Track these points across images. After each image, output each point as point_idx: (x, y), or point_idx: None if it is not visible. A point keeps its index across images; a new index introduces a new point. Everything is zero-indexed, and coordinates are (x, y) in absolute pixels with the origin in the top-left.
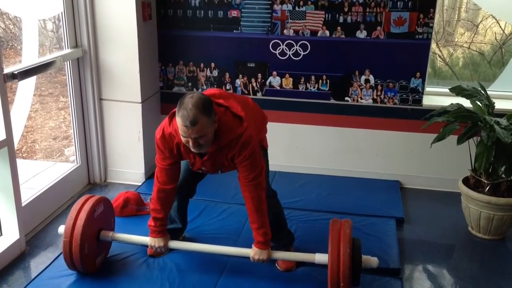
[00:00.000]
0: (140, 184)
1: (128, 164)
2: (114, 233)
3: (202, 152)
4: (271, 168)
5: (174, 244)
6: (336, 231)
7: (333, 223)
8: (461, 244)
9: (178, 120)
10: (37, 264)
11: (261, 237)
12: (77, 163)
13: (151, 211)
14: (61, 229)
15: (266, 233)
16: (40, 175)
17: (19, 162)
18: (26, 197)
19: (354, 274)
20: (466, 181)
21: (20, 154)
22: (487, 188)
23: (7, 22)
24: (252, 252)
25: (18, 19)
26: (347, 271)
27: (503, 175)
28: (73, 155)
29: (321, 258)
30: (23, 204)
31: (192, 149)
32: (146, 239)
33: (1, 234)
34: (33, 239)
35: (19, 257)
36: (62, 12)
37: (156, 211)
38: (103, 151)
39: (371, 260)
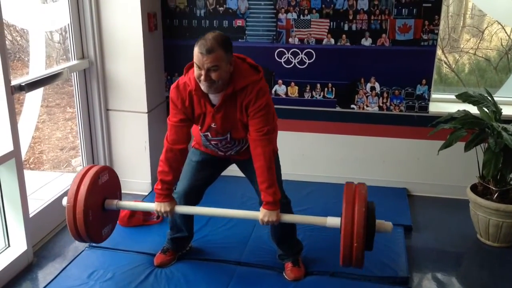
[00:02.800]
0: (146, 194)
1: (135, 174)
2: (119, 201)
3: (214, 96)
4: None
5: (180, 208)
6: (351, 191)
7: (347, 185)
8: (470, 252)
9: (195, 50)
10: (45, 275)
11: (271, 196)
12: None
13: (158, 173)
14: (65, 200)
15: (275, 193)
16: (47, 186)
17: (27, 173)
18: (34, 208)
19: (367, 237)
20: (474, 188)
21: (28, 165)
22: (496, 195)
23: (14, 34)
24: (260, 214)
25: (25, 31)
26: (361, 231)
27: (511, 182)
28: (80, 165)
29: (332, 221)
30: (30, 215)
31: (203, 85)
32: (152, 206)
33: (9, 246)
34: (41, 250)
35: (27, 268)
36: (68, 24)
37: (164, 173)
38: (109, 161)
39: (385, 225)
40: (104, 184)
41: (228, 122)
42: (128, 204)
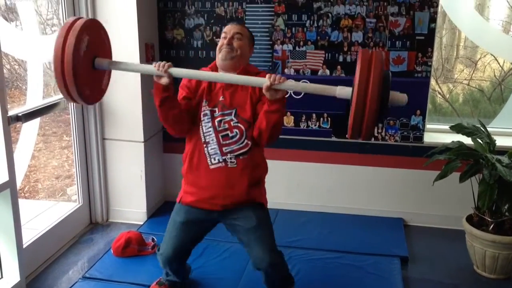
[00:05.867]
0: (142, 223)
1: (130, 203)
2: (111, 61)
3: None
4: (273, 206)
5: (177, 71)
6: (367, 54)
7: (362, 50)
8: (467, 284)
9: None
10: None
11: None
12: (79, 202)
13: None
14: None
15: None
16: (42, 215)
17: (21, 202)
18: (28, 238)
19: (380, 106)
20: (469, 219)
21: (23, 193)
22: (491, 227)
23: (12, 63)
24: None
25: (24, 60)
26: (377, 87)
27: (506, 213)
28: (75, 194)
29: (343, 90)
30: (24, 246)
31: (223, 52)
32: (150, 67)
33: (2, 277)
34: (34, 281)
35: None
36: None
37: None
38: (105, 190)
39: (400, 96)
40: (97, 39)
41: (237, 97)
42: (121, 63)
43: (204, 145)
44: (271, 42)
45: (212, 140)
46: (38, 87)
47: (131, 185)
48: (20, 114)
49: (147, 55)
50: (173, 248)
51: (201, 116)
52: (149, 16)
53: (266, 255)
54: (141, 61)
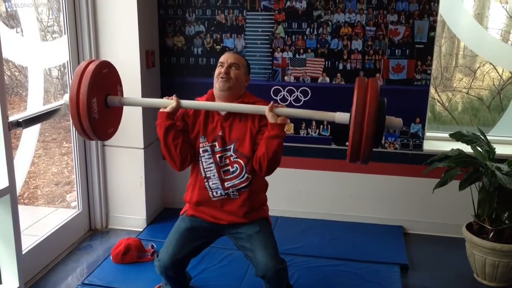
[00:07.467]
0: (141, 230)
1: (130, 210)
2: (122, 97)
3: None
4: (273, 213)
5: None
6: (363, 83)
7: (359, 79)
8: None
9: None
10: None
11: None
12: (78, 209)
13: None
14: (66, 96)
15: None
16: (41, 222)
17: (21, 208)
18: (27, 244)
19: (377, 132)
20: (469, 227)
21: (22, 200)
22: (491, 235)
23: (13, 70)
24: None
25: (24, 66)
26: (373, 112)
27: (506, 221)
28: (75, 200)
29: (341, 116)
30: (23, 252)
31: (220, 81)
32: (159, 99)
33: (1, 283)
34: (33, 287)
35: None
36: (67, 61)
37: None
38: (104, 196)
39: (395, 120)
40: (105, 78)
41: (236, 130)
42: (131, 99)
43: (205, 180)
44: (271, 50)
45: (214, 175)
46: (38, 93)
47: (131, 192)
48: (20, 120)
49: (147, 62)
50: (172, 255)
51: (201, 151)
52: (149, 23)
53: (271, 261)
54: (142, 68)
